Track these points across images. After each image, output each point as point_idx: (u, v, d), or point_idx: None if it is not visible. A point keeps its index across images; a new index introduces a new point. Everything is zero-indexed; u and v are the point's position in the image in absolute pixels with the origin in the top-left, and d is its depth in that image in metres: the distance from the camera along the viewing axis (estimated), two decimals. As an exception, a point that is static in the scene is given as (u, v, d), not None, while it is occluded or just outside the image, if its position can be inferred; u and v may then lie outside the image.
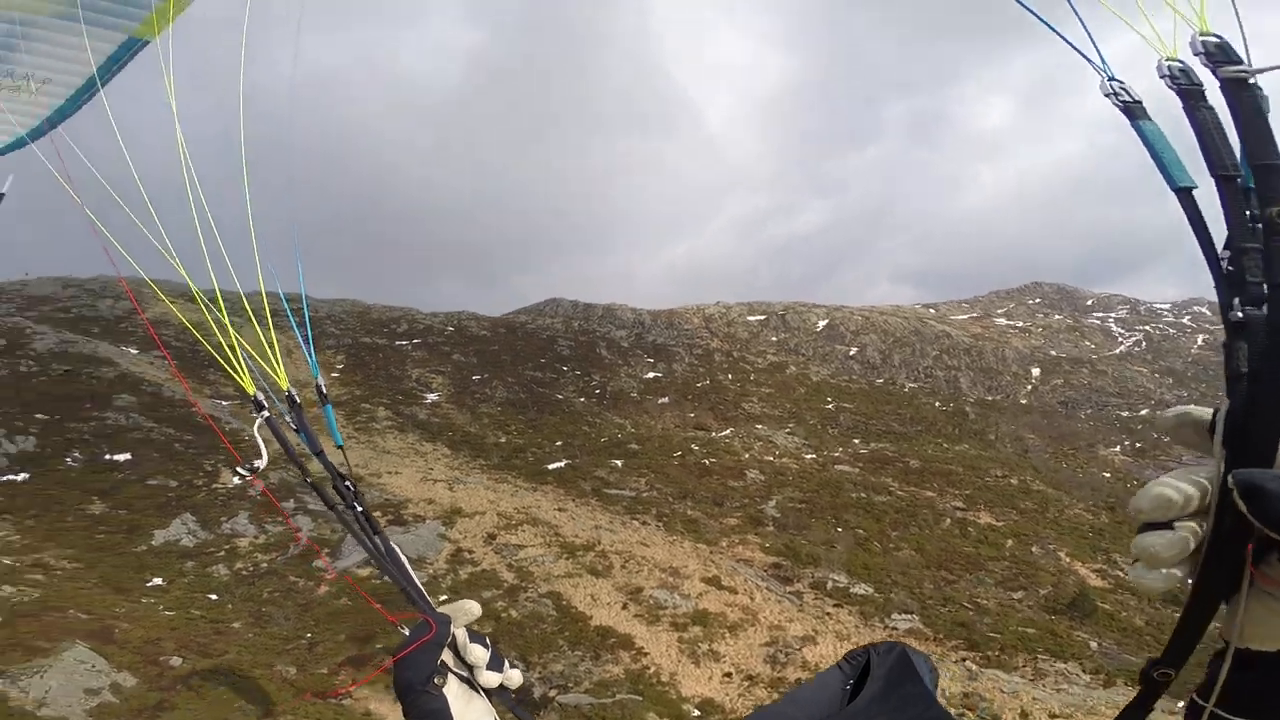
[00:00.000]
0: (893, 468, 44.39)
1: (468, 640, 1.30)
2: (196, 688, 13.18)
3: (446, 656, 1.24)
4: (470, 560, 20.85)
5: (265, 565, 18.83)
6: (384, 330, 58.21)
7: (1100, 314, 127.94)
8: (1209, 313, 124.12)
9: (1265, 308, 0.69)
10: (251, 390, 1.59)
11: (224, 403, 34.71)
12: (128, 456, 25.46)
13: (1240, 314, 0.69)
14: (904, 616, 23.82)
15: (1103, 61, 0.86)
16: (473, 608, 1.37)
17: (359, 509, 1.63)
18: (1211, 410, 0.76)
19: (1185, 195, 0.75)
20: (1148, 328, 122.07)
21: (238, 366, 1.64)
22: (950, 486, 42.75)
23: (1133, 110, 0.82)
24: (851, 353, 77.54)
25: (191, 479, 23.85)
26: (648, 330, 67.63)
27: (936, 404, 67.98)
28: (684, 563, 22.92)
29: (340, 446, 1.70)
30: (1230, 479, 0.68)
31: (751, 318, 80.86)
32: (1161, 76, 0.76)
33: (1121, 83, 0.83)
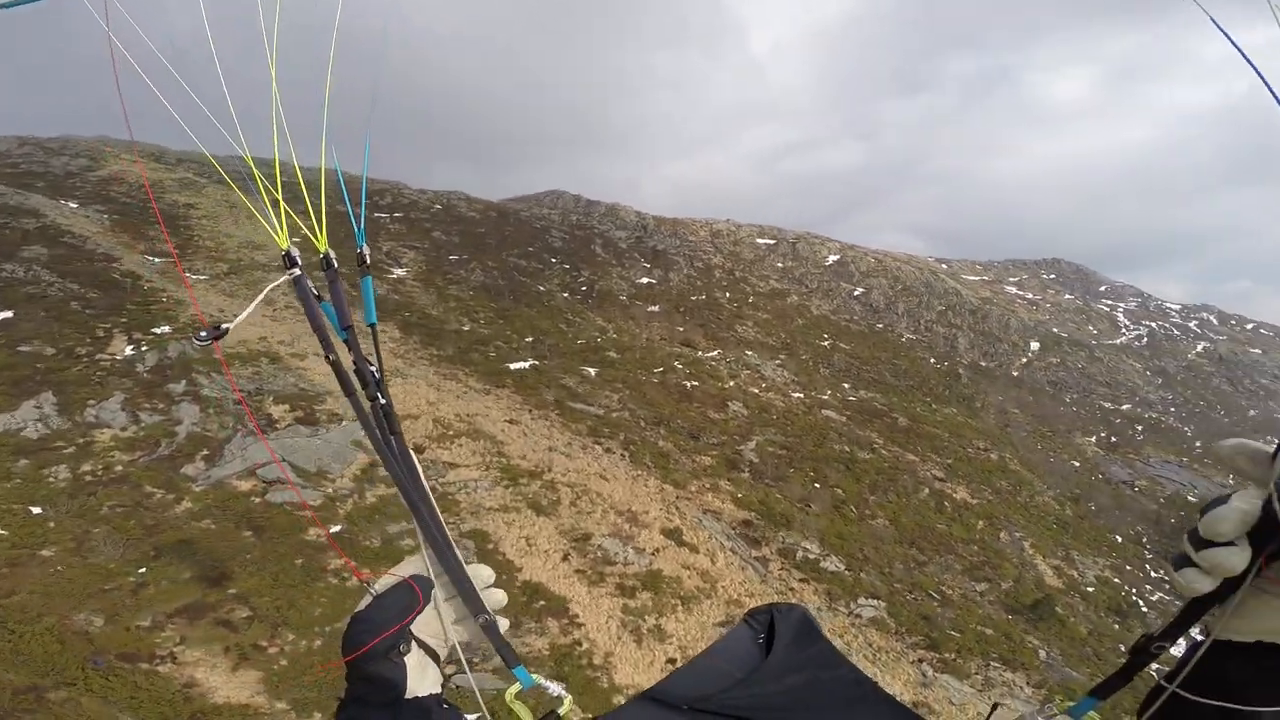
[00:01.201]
0: (880, 422, 41.36)
1: (467, 566, 1.16)
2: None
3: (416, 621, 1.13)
4: (385, 479, 17.07)
5: (120, 469, 14.68)
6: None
7: (1110, 301, 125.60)
8: (1216, 321, 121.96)
9: None
10: (285, 244, 1.24)
11: (155, 259, 30.24)
12: (8, 315, 20.99)
13: None
14: (870, 603, 20.96)
15: None
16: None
17: (382, 401, 1.23)
18: (1270, 446, 0.84)
19: None
20: (1153, 324, 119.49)
21: (274, 216, 1.28)
22: (933, 452, 40.08)
23: None
24: (856, 293, 73.54)
25: (75, 346, 19.29)
26: (650, 235, 62.33)
27: (931, 360, 64.93)
28: (645, 506, 19.55)
29: (373, 325, 1.31)
30: (1273, 486, 0.78)
31: (760, 240, 75.67)
32: None
33: None
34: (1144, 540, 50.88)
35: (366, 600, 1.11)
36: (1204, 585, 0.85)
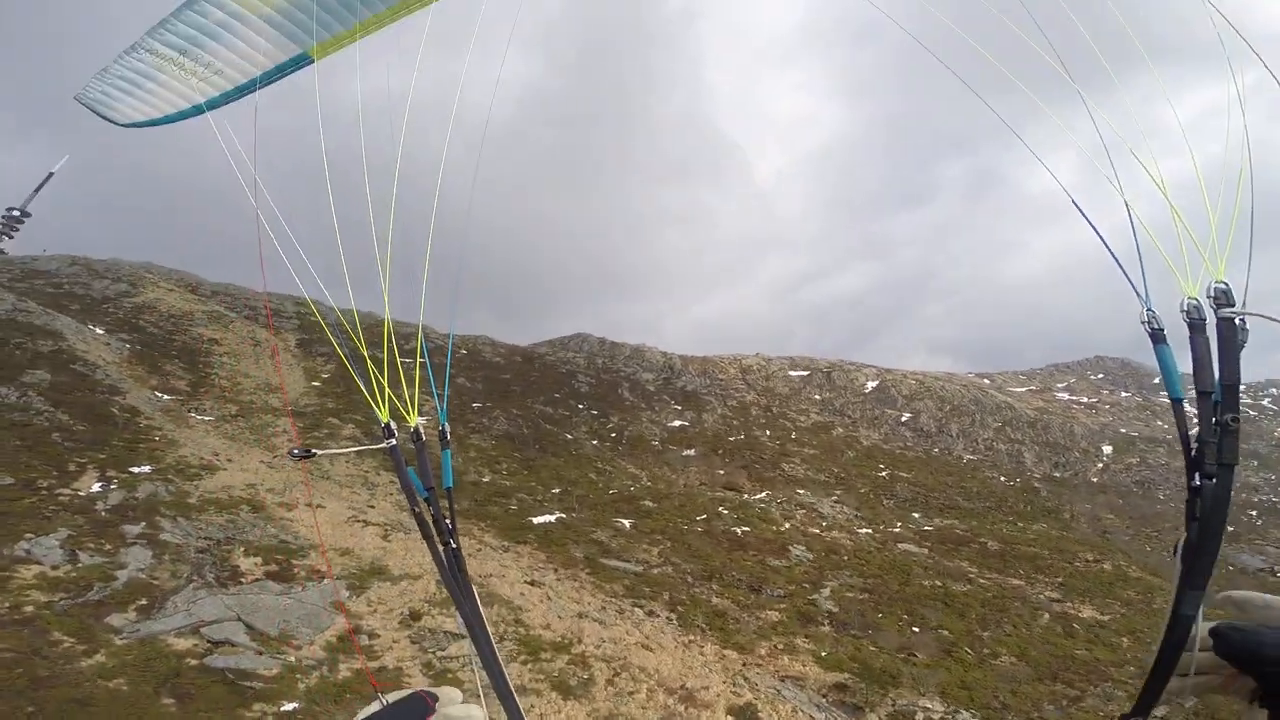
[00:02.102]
0: (967, 549, 35.71)
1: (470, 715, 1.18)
2: None
3: None
4: (369, 648, 13.27)
5: (30, 609, 11.56)
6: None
7: (1166, 394, 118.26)
8: None
9: (1214, 480, 1.03)
10: (385, 418, 1.57)
11: (165, 396, 28.69)
12: (-23, 442, 18.98)
13: (1197, 482, 1.02)
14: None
15: (1146, 296, 1.03)
16: (455, 696, 1.19)
17: (454, 546, 1.52)
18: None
19: (1177, 403, 1.03)
20: None
21: (377, 392, 1.62)
22: (1038, 573, 34.02)
23: (1157, 336, 1.03)
24: (904, 418, 69.28)
25: (38, 479, 16.88)
26: (678, 375, 60.24)
27: (1002, 479, 59.04)
28: (703, 680, 14.98)
29: (449, 489, 1.63)
30: (1207, 629, 0.96)
31: (793, 373, 73.16)
32: (1181, 311, 0.99)
33: (1154, 314, 1.02)
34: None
35: (375, 706, 1.11)
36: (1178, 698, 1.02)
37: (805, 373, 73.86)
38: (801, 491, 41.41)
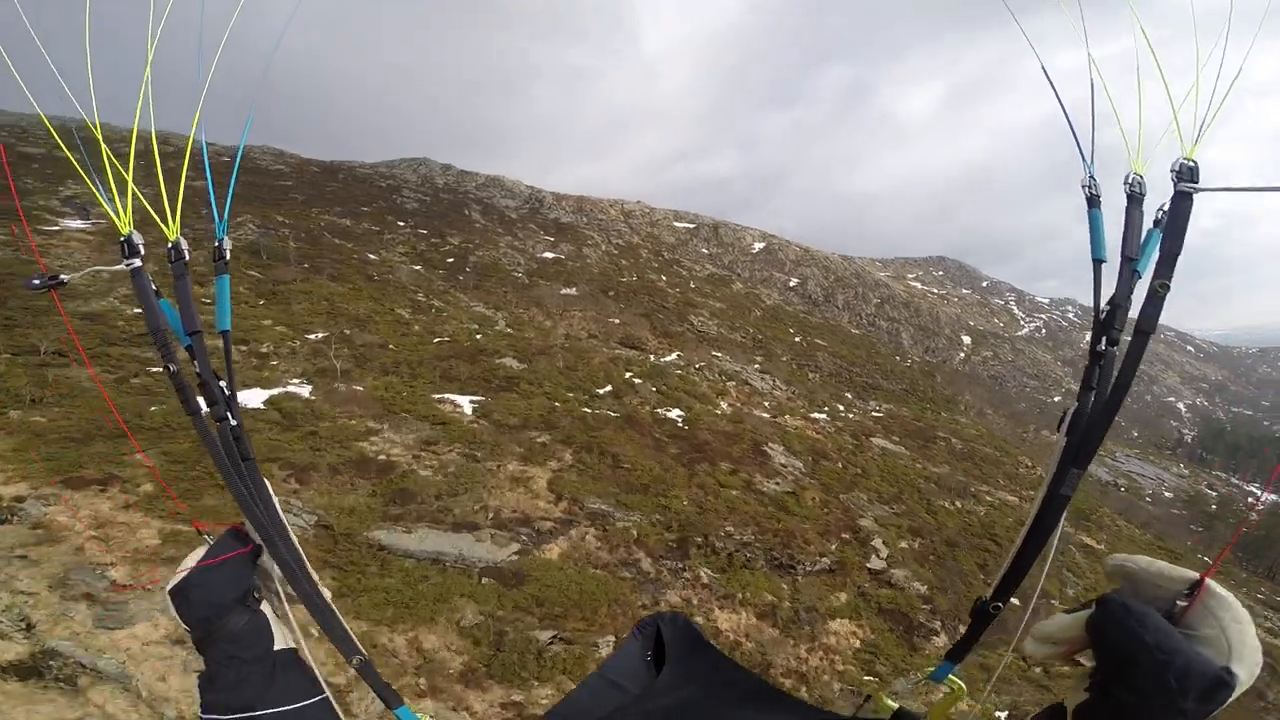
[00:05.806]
0: (937, 448, 25.62)
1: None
2: None
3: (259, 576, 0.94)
4: None
5: None
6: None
7: (996, 298, 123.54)
8: (1080, 313, 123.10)
9: (1118, 349, 0.91)
10: (127, 229, 0.99)
11: None
12: None
13: (1102, 348, 0.91)
14: None
15: (1091, 161, 0.98)
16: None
17: (233, 422, 1.00)
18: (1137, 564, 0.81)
19: (1097, 264, 0.96)
20: (1044, 316, 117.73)
21: (114, 194, 0.98)
22: (1014, 484, 24.99)
23: (1093, 200, 0.98)
24: (792, 283, 59.20)
25: None
26: (548, 208, 44.21)
27: (897, 358, 51.65)
28: None
29: (225, 332, 1.08)
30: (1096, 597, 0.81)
31: (678, 224, 59.66)
32: (1125, 182, 0.94)
33: (1095, 180, 0.98)
34: (1195, 551, 38.41)
35: (200, 551, 0.91)
36: (1038, 653, 0.90)
37: (691, 225, 60.87)
38: (719, 354, 28.83)
